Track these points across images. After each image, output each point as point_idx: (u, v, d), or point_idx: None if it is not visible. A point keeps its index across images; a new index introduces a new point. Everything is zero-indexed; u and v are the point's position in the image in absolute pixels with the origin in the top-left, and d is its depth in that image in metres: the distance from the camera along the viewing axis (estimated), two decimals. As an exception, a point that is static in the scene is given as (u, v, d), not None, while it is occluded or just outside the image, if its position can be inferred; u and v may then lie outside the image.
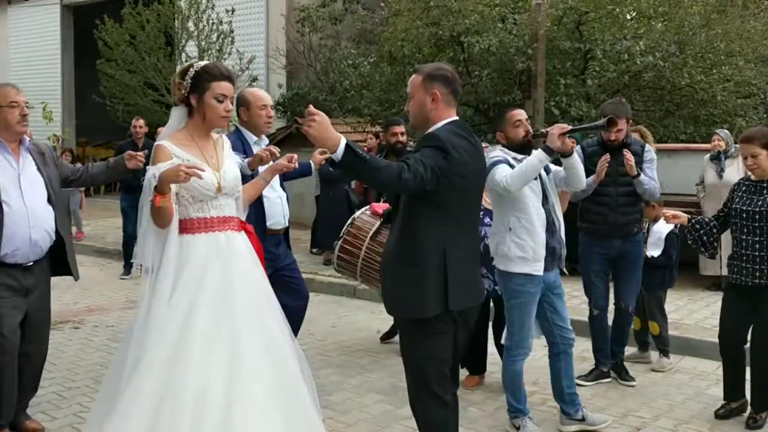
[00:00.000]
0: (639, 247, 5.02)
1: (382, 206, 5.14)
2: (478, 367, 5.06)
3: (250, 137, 4.34)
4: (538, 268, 4.00)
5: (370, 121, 11.39)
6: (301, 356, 3.25)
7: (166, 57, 13.33)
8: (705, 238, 4.39)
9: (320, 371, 5.16)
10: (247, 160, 3.75)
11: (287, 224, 4.54)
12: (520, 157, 4.02)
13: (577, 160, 4.05)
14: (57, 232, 4.02)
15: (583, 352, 5.35)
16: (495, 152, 4.12)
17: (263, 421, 2.89)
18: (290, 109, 14.38)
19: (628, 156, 4.66)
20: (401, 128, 6.28)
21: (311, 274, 8.36)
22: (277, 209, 4.39)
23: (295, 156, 3.75)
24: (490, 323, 5.10)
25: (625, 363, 5.17)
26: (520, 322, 4.09)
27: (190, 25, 13.40)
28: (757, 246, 4.16)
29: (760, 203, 4.18)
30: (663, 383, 5.04)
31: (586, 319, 5.11)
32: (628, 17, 10.58)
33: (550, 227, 4.06)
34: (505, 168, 3.93)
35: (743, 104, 10.27)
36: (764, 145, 4.13)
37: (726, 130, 8.12)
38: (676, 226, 5.46)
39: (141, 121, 8.83)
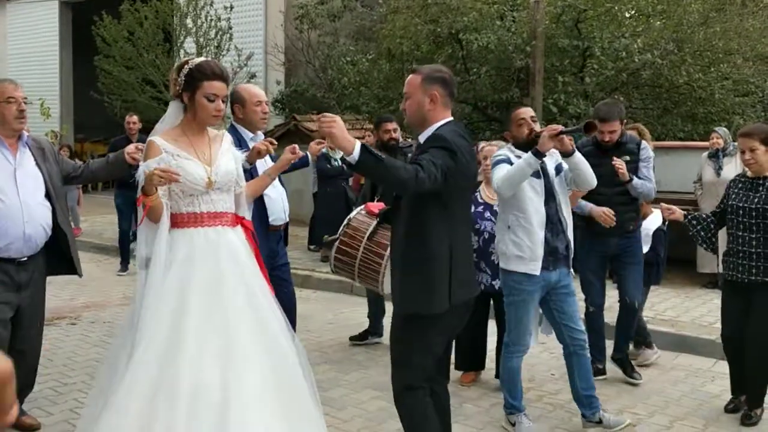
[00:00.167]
0: (637, 241, 5.01)
1: (377, 206, 5.14)
2: (475, 364, 5.06)
3: (246, 134, 4.33)
4: (534, 268, 3.99)
5: (369, 118, 11.39)
6: (300, 351, 3.25)
7: (164, 54, 13.29)
8: (703, 233, 4.42)
9: (317, 367, 5.14)
10: (245, 154, 3.76)
11: (287, 219, 4.55)
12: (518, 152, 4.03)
13: (579, 159, 3.98)
14: (58, 227, 4.01)
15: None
16: (502, 151, 4.14)
17: (260, 415, 2.88)
18: (288, 106, 14.37)
19: (617, 164, 4.63)
20: (393, 125, 6.24)
21: (308, 271, 8.37)
22: (278, 205, 4.40)
23: (297, 146, 3.77)
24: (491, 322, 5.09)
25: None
26: (517, 318, 4.10)
27: (189, 21, 13.37)
28: (753, 242, 4.17)
29: (756, 200, 4.19)
30: (658, 380, 5.05)
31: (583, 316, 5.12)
32: (627, 15, 10.59)
33: (554, 227, 4.02)
34: (504, 168, 3.94)
35: (741, 102, 10.28)
36: (763, 141, 4.14)
37: (724, 128, 8.13)
38: (664, 223, 5.47)
39: (135, 117, 8.82)
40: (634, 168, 4.81)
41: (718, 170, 7.52)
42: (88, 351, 5.67)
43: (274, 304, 3.21)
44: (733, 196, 4.32)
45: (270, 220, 4.34)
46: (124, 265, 8.88)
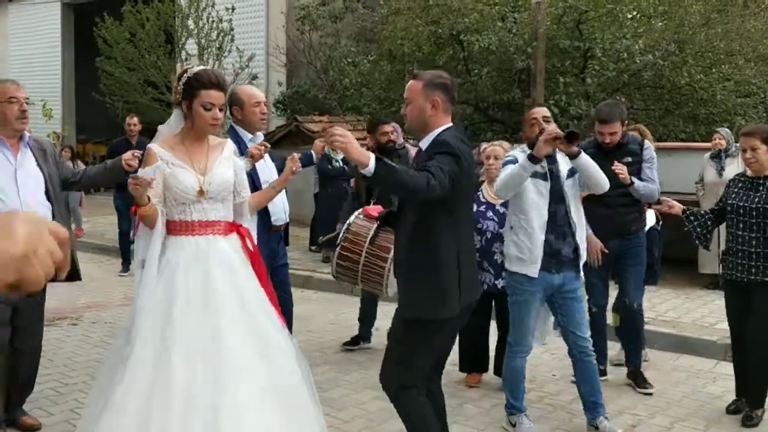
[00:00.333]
0: (640, 243, 4.95)
1: (375, 209, 5.12)
2: (478, 365, 5.06)
3: (245, 135, 4.33)
4: (533, 270, 3.98)
5: (370, 120, 11.40)
6: (298, 354, 3.24)
7: (166, 55, 13.32)
8: (699, 230, 4.42)
9: (317, 368, 5.16)
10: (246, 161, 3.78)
11: (288, 219, 4.55)
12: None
13: (586, 162, 3.91)
14: None
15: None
16: (513, 151, 4.14)
17: (255, 421, 2.87)
18: (290, 107, 14.39)
19: (617, 169, 4.53)
20: (390, 126, 6.15)
21: (309, 272, 8.38)
22: (278, 206, 4.39)
23: (296, 155, 3.77)
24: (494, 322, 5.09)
25: (618, 362, 5.17)
26: (518, 319, 4.10)
27: (190, 23, 13.39)
28: (753, 242, 4.17)
29: (756, 199, 4.19)
30: (659, 381, 5.03)
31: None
32: (628, 16, 10.58)
33: (561, 230, 3.98)
34: (508, 169, 3.93)
35: (743, 103, 10.27)
36: (764, 140, 4.15)
37: (727, 129, 8.11)
38: (658, 222, 5.46)
39: (135, 119, 8.82)
40: (637, 169, 4.75)
41: (721, 171, 7.51)
42: (89, 351, 5.67)
43: (270, 309, 3.19)
44: (733, 195, 4.32)
45: (272, 220, 4.35)
46: (125, 265, 8.89)
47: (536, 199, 3.96)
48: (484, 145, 5.54)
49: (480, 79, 10.25)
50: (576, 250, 4.04)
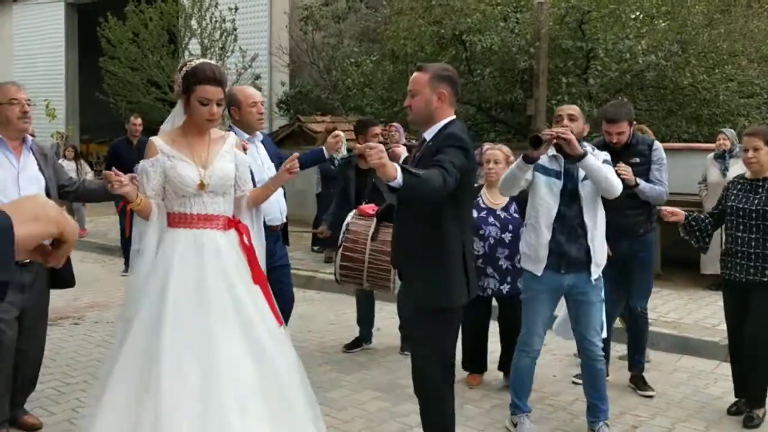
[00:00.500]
0: (648, 247, 4.88)
1: (369, 207, 5.13)
2: (479, 366, 5.06)
3: (243, 136, 4.29)
4: (538, 268, 3.98)
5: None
6: (295, 354, 3.24)
7: (169, 55, 13.34)
8: (698, 233, 4.42)
9: (318, 368, 5.17)
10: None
11: (285, 220, 4.53)
12: (551, 152, 3.95)
13: (591, 164, 3.81)
14: None
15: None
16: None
17: (242, 420, 2.85)
18: (293, 107, 14.40)
19: (621, 170, 4.44)
20: (379, 128, 6.09)
21: (312, 272, 8.38)
22: (274, 206, 4.35)
23: (296, 154, 3.74)
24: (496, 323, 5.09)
25: (619, 361, 5.16)
26: (526, 317, 4.09)
27: (193, 23, 13.42)
28: (753, 243, 4.18)
29: (756, 201, 4.19)
30: (660, 382, 5.03)
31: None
32: (631, 17, 10.58)
33: (571, 230, 3.93)
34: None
35: (746, 104, 10.26)
36: (767, 141, 4.14)
37: (731, 130, 8.10)
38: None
39: (139, 119, 8.85)
40: (645, 170, 4.67)
41: (724, 171, 7.49)
42: (91, 351, 5.68)
43: (264, 309, 3.17)
44: (732, 197, 4.32)
45: (266, 220, 4.32)
46: (128, 265, 8.90)
47: (547, 198, 3.94)
48: (486, 146, 5.52)
49: (482, 80, 10.26)
50: (588, 252, 3.95)
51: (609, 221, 4.65)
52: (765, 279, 4.15)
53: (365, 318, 5.84)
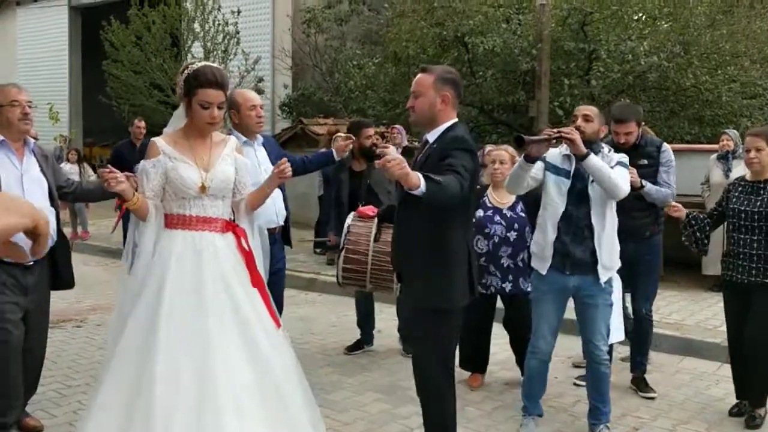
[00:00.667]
0: (654, 249, 4.84)
1: (368, 209, 5.12)
2: (479, 366, 5.05)
3: (242, 139, 4.29)
4: (543, 267, 3.98)
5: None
6: (290, 355, 3.24)
7: (172, 58, 13.37)
8: (698, 234, 4.41)
9: (320, 370, 5.17)
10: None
11: (282, 223, 4.51)
12: (565, 151, 3.95)
13: (593, 164, 3.77)
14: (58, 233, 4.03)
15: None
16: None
17: (239, 421, 2.84)
18: (296, 109, 14.43)
19: None
20: (372, 130, 6.07)
21: (314, 274, 8.39)
22: (269, 208, 4.30)
23: (285, 159, 3.61)
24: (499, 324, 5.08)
25: (621, 363, 5.15)
26: (534, 317, 4.10)
27: (196, 26, 13.45)
28: (755, 245, 4.17)
29: (758, 203, 4.19)
30: (662, 384, 5.02)
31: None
32: (634, 18, 10.57)
33: (578, 231, 3.91)
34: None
35: (749, 105, 10.25)
36: None
37: (734, 130, 8.08)
38: None
39: (143, 122, 8.88)
40: (653, 172, 4.64)
41: (727, 172, 7.48)
42: (93, 353, 5.69)
43: (261, 311, 3.16)
44: (734, 199, 4.31)
45: (259, 223, 4.30)
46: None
47: (554, 197, 3.94)
48: (488, 148, 5.52)
49: (485, 81, 10.27)
50: (593, 254, 3.90)
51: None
52: (767, 280, 4.14)
53: (365, 320, 5.83)
